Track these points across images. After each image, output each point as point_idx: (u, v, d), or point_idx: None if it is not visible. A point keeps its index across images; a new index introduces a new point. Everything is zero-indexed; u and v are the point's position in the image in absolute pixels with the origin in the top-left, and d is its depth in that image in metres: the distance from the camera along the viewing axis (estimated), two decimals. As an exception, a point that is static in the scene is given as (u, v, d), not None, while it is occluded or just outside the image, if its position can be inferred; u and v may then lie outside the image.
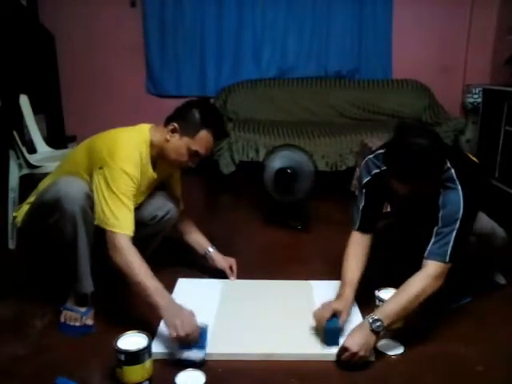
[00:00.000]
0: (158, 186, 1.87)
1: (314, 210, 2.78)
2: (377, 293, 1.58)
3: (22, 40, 3.33)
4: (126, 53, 3.96)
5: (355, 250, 1.68)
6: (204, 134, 1.64)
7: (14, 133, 2.24)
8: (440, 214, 1.49)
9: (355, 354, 1.35)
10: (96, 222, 1.52)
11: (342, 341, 1.41)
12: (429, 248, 1.48)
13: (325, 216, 2.76)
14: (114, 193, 1.49)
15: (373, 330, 1.38)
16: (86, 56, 3.93)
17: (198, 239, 1.97)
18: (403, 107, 3.70)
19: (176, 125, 1.63)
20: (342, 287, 1.61)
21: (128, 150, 1.56)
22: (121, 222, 1.48)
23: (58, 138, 3.63)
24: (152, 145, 1.66)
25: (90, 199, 1.53)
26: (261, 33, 3.86)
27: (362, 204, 1.70)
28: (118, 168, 1.51)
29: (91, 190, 1.54)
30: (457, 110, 4.04)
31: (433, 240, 1.49)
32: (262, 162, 2.70)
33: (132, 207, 1.53)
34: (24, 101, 2.67)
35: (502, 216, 2.93)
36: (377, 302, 1.56)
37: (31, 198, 1.72)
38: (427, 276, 1.44)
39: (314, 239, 2.45)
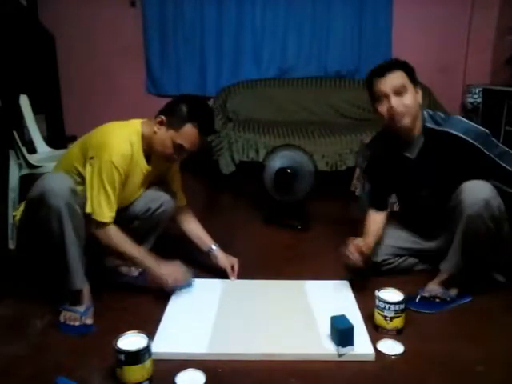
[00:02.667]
0: (156, 181, 1.88)
1: (314, 210, 2.78)
2: (377, 293, 1.58)
3: (22, 40, 3.33)
4: (126, 53, 3.96)
5: (374, 221, 1.87)
6: (189, 128, 1.65)
7: (14, 133, 2.24)
8: (477, 145, 1.61)
9: None
10: (85, 210, 1.59)
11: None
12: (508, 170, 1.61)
13: (325, 216, 2.75)
14: (102, 183, 1.59)
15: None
16: (86, 56, 3.94)
17: (200, 236, 1.97)
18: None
19: (163, 117, 1.66)
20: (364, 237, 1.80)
21: (118, 141, 1.62)
22: (104, 212, 1.60)
23: (58, 138, 3.63)
24: (143, 137, 1.70)
25: (74, 194, 1.54)
26: (261, 33, 3.86)
27: (369, 187, 1.91)
28: (108, 160, 1.58)
29: (78, 184, 1.60)
30: (457, 110, 4.04)
31: (504, 165, 1.61)
32: (262, 161, 2.70)
33: (116, 198, 1.64)
34: (24, 101, 2.67)
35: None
36: (377, 302, 1.56)
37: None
38: None
39: (314, 239, 2.44)
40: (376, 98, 1.68)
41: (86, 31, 3.89)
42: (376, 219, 1.88)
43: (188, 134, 1.65)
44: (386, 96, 1.64)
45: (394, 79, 1.63)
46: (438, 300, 1.72)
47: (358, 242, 1.73)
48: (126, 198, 1.79)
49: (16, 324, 1.61)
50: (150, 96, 4.02)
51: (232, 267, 1.93)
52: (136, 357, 1.25)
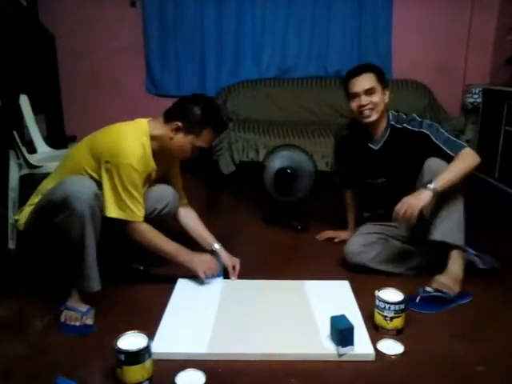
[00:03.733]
0: (157, 179, 1.89)
1: (314, 210, 2.78)
2: (377, 292, 1.58)
3: (22, 40, 3.33)
4: (126, 53, 3.96)
5: (349, 196, 2.31)
6: (208, 131, 1.73)
7: (14, 133, 2.24)
8: (425, 131, 1.88)
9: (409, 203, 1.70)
10: (107, 213, 1.61)
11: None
12: (448, 151, 1.82)
13: (325, 216, 2.75)
14: (125, 187, 1.62)
15: (426, 188, 1.71)
16: (86, 56, 3.94)
17: (203, 234, 1.98)
18: (403, 107, 3.68)
19: (180, 124, 1.69)
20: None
21: (132, 143, 1.64)
22: (134, 212, 1.66)
23: (58, 138, 3.63)
24: (152, 137, 1.71)
25: (98, 198, 1.56)
26: (261, 33, 3.86)
27: (338, 169, 2.27)
28: (127, 163, 1.60)
29: (99, 189, 1.60)
30: (457, 110, 4.04)
31: (442, 145, 1.83)
32: (262, 162, 2.70)
33: (142, 197, 1.69)
34: (24, 101, 2.67)
35: (502, 216, 2.94)
36: (377, 302, 1.56)
37: (33, 200, 1.72)
38: (461, 155, 1.78)
39: (314, 239, 2.45)
40: (349, 95, 1.97)
41: (86, 31, 3.90)
42: (351, 196, 2.30)
43: (207, 136, 1.74)
44: (358, 95, 1.92)
45: (365, 81, 1.91)
46: (441, 294, 1.71)
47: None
48: None
49: (16, 324, 1.61)
50: (150, 96, 4.02)
51: (233, 267, 1.93)
52: (136, 357, 1.25)
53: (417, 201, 1.71)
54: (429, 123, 1.93)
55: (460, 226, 1.79)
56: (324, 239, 2.41)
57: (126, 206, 1.63)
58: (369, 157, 2.05)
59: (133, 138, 1.65)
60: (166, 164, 1.86)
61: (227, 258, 1.94)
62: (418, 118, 1.96)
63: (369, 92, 1.90)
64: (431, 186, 1.71)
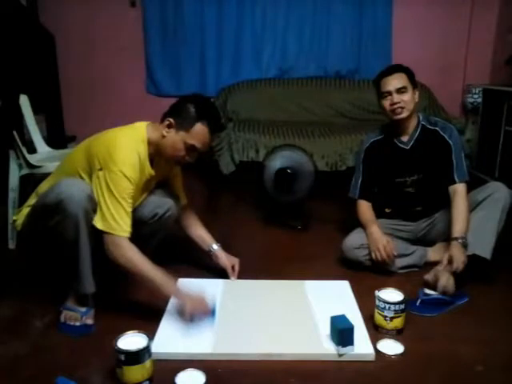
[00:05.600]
0: (159, 184, 1.88)
1: (314, 210, 2.78)
2: (377, 293, 1.58)
3: (22, 40, 3.33)
4: (126, 53, 3.96)
5: (368, 208, 2.14)
6: (199, 127, 1.63)
7: (14, 133, 2.24)
8: (451, 143, 2.00)
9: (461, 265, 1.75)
10: (94, 222, 1.53)
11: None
12: (455, 173, 1.97)
13: (325, 216, 2.75)
14: (113, 196, 1.53)
15: (463, 246, 1.81)
16: (86, 56, 3.94)
17: (202, 235, 1.97)
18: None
19: (172, 120, 1.64)
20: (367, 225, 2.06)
21: (126, 151, 1.58)
22: (120, 225, 1.53)
23: (58, 138, 3.63)
24: (149, 142, 1.67)
25: (91, 201, 1.53)
26: (261, 33, 3.86)
27: (361, 178, 2.17)
28: (118, 171, 1.53)
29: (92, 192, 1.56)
30: (457, 110, 4.04)
31: (454, 165, 1.98)
32: (262, 162, 2.70)
33: (130, 209, 1.58)
34: (24, 101, 2.66)
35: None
36: (377, 302, 1.56)
37: (31, 201, 1.72)
38: (463, 197, 1.93)
39: (314, 239, 2.44)
40: (381, 94, 2.02)
41: (86, 31, 3.90)
42: (369, 207, 2.16)
43: (199, 133, 1.64)
44: (390, 93, 1.98)
45: (397, 80, 1.98)
46: (442, 296, 1.73)
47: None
48: (133, 203, 1.75)
49: (16, 324, 1.61)
50: (150, 96, 4.02)
51: (233, 267, 1.93)
52: (136, 357, 1.25)
53: (460, 258, 1.77)
54: (457, 135, 2.03)
55: (492, 238, 1.86)
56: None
57: (110, 216, 1.52)
58: (399, 157, 2.09)
59: (128, 147, 1.59)
60: (166, 168, 1.84)
61: (226, 259, 1.93)
62: (449, 124, 2.08)
63: (400, 91, 1.96)
64: (458, 237, 1.83)
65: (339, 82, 3.84)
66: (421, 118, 2.09)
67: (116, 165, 1.53)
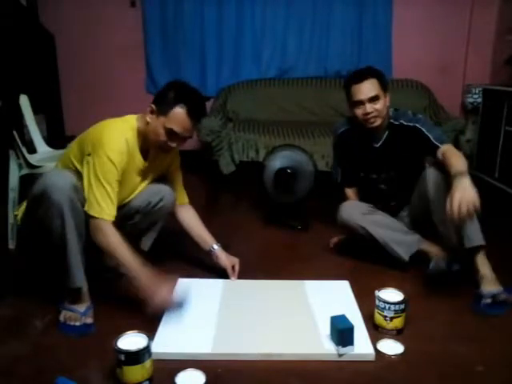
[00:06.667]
0: (158, 179, 1.89)
1: (314, 210, 2.78)
2: (377, 293, 1.58)
3: (22, 40, 3.33)
4: (126, 53, 3.96)
5: (353, 193, 2.26)
6: (177, 110, 1.63)
7: (14, 133, 2.24)
8: (418, 125, 1.96)
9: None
10: (85, 208, 1.58)
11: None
12: (435, 142, 1.89)
13: (325, 216, 2.75)
14: (99, 180, 1.58)
15: (461, 176, 1.65)
16: (86, 56, 3.94)
17: (202, 235, 1.97)
18: (403, 107, 3.69)
19: (153, 106, 1.67)
20: None
21: (113, 137, 1.62)
22: (103, 208, 1.58)
23: (58, 138, 3.63)
24: (139, 132, 1.71)
25: (77, 191, 1.55)
26: (261, 33, 3.86)
27: (337, 164, 2.26)
28: (104, 155, 1.58)
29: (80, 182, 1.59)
30: (457, 110, 4.04)
31: (431, 138, 1.90)
32: (262, 161, 2.70)
33: (114, 195, 1.62)
34: (24, 101, 2.67)
35: (502, 216, 2.93)
36: (377, 302, 1.56)
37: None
38: (454, 150, 1.83)
39: (314, 239, 2.44)
40: (352, 102, 1.97)
41: (86, 31, 3.90)
42: (354, 192, 2.26)
43: (177, 116, 1.63)
44: (362, 102, 1.93)
45: (368, 88, 1.92)
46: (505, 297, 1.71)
47: None
48: (125, 197, 1.79)
49: (16, 324, 1.61)
50: (150, 96, 3.94)
51: (233, 267, 1.93)
52: (136, 357, 1.25)
53: (470, 192, 1.59)
54: (421, 117, 2.01)
55: (478, 225, 1.77)
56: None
57: (94, 199, 1.57)
58: (370, 153, 2.10)
59: (116, 132, 1.64)
60: (163, 162, 1.85)
61: (226, 259, 1.94)
62: (409, 112, 2.04)
63: (373, 100, 1.92)
64: (462, 171, 1.66)
65: (339, 81, 3.83)
66: (390, 114, 2.04)
67: (103, 149, 1.58)
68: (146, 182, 1.85)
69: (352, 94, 1.96)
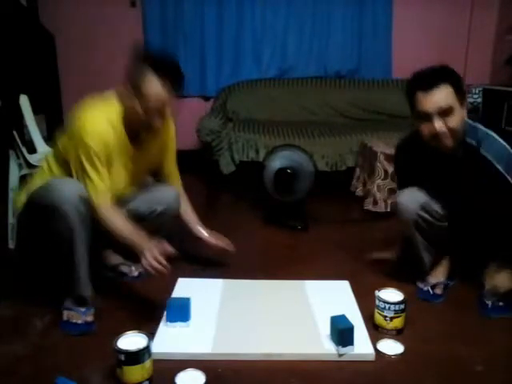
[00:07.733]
0: (153, 168, 1.89)
1: (314, 210, 2.78)
2: (377, 293, 1.58)
3: (22, 40, 3.33)
4: (126, 53, 3.95)
5: None
6: (148, 78, 1.61)
7: (14, 133, 2.24)
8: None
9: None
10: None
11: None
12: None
13: (325, 216, 2.75)
14: (84, 167, 1.56)
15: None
16: (86, 56, 3.93)
17: (189, 220, 1.99)
18: (403, 107, 3.63)
19: (127, 82, 1.65)
20: None
21: (94, 122, 1.60)
22: (95, 183, 1.57)
23: (58, 138, 3.63)
24: (124, 116, 1.66)
25: (84, 201, 1.53)
26: (261, 33, 3.86)
27: (401, 184, 1.82)
28: (84, 144, 1.56)
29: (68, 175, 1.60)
30: (457, 110, 4.03)
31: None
32: (262, 162, 2.70)
33: (106, 176, 1.61)
34: (24, 101, 2.66)
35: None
36: (377, 302, 1.56)
37: (29, 185, 1.72)
38: None
39: (314, 239, 2.44)
40: (418, 114, 1.55)
41: (86, 31, 3.89)
42: None
43: (149, 86, 1.59)
44: (430, 116, 1.51)
45: (440, 98, 1.49)
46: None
47: None
48: (118, 184, 1.73)
49: (16, 324, 1.61)
50: (149, 96, 4.01)
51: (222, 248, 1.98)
52: (136, 357, 1.25)
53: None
54: (509, 155, 1.55)
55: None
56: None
57: (91, 184, 1.56)
58: (439, 170, 1.66)
59: (98, 117, 1.62)
60: (156, 145, 1.80)
61: (214, 240, 1.98)
62: (494, 137, 1.61)
63: (445, 113, 1.49)
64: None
65: (339, 81, 3.84)
66: (467, 129, 1.58)
67: (84, 139, 1.56)
68: (142, 174, 1.83)
69: (417, 104, 1.54)
